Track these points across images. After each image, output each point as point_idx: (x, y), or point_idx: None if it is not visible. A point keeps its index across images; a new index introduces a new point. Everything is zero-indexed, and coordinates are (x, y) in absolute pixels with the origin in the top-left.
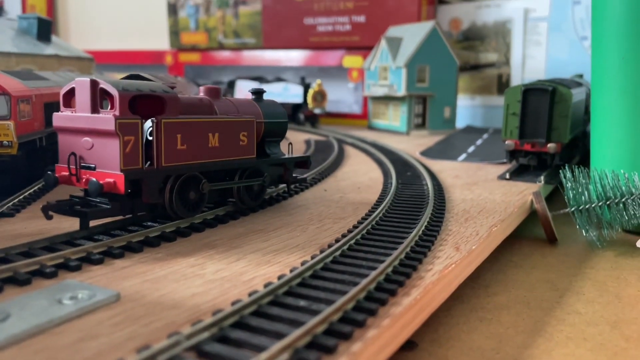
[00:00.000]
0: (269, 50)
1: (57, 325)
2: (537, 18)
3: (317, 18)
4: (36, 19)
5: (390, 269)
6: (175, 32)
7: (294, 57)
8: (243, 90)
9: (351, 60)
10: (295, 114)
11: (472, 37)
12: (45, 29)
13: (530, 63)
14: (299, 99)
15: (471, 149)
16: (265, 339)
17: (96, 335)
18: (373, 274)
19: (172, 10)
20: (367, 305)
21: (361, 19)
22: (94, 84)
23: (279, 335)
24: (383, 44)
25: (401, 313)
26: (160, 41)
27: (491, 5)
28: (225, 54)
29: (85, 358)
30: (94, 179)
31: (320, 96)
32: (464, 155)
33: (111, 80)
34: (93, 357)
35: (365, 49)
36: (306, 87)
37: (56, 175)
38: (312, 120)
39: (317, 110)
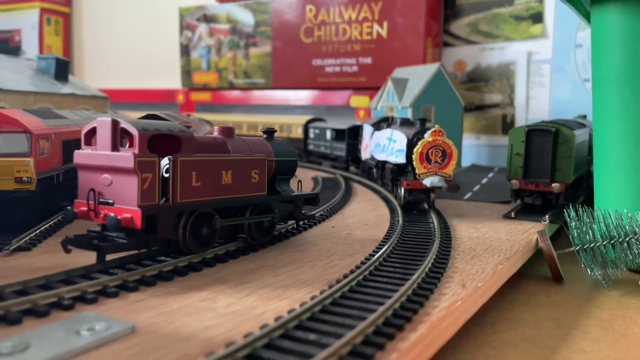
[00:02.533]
0: (278, 90)
1: (75, 356)
2: (540, 60)
3: (325, 59)
4: (54, 59)
5: (397, 305)
6: (187, 71)
7: (302, 96)
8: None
9: (358, 100)
10: (395, 181)
11: (477, 79)
12: (63, 69)
13: (534, 104)
14: (401, 157)
15: (476, 187)
16: None
17: None
18: (381, 309)
19: (185, 51)
20: (376, 340)
21: (368, 60)
22: (114, 123)
23: None
24: (389, 84)
25: (408, 348)
26: (172, 80)
27: (495, 47)
28: (235, 93)
29: None
30: (112, 214)
31: (443, 155)
32: (469, 194)
33: (131, 120)
34: None
35: (371, 89)
36: (413, 137)
37: (75, 210)
38: (425, 200)
39: (434, 182)
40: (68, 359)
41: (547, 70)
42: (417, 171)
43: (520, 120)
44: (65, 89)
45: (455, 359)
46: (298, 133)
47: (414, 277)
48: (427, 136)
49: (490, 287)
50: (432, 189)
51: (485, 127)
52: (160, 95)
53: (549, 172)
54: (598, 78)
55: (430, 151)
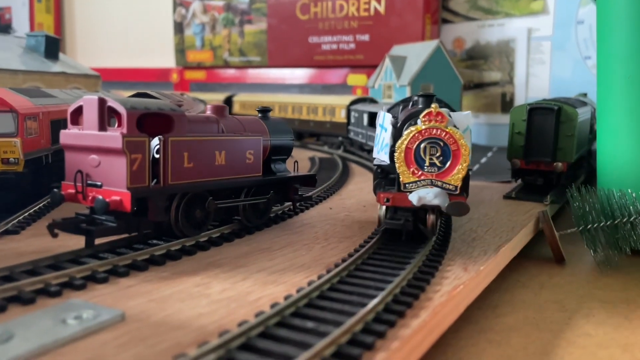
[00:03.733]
0: (274, 68)
1: (61, 346)
2: (541, 37)
3: (322, 37)
4: (44, 37)
5: (398, 290)
6: (181, 50)
7: (298, 75)
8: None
9: (355, 79)
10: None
11: (476, 56)
12: (53, 47)
13: (534, 82)
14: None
15: (476, 167)
16: None
17: (101, 356)
18: (381, 294)
19: (179, 28)
20: (376, 328)
21: (365, 37)
22: (101, 102)
23: (287, 358)
24: (387, 62)
25: (410, 335)
26: (166, 59)
27: (494, 24)
28: (230, 72)
29: None
30: (101, 197)
31: (443, 153)
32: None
33: (119, 99)
34: None
35: (369, 67)
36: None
37: (62, 192)
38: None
39: (427, 198)
40: (54, 349)
41: (548, 48)
42: (401, 178)
43: (520, 99)
44: (56, 67)
45: (457, 344)
46: (341, 117)
47: (415, 260)
48: (419, 122)
49: (492, 270)
50: (427, 208)
51: (485, 105)
52: (154, 74)
53: (551, 151)
54: (603, 55)
55: (422, 146)
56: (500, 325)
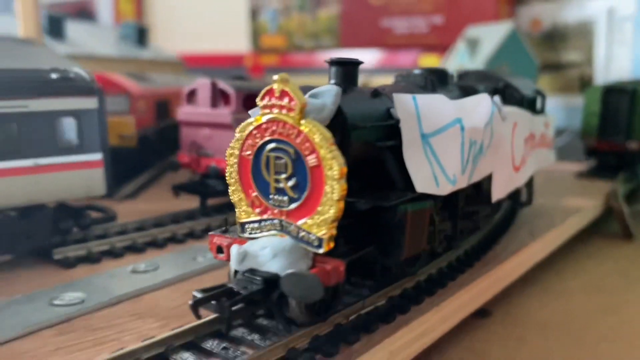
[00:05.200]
0: (345, 51)
1: (196, 275)
2: (622, 17)
3: (394, 19)
4: (136, 27)
5: (468, 246)
6: (254, 35)
7: (369, 57)
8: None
9: (427, 61)
10: None
11: (553, 37)
12: (144, 36)
13: (614, 63)
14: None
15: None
16: None
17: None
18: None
19: (253, 13)
20: (447, 271)
21: (438, 19)
22: (213, 84)
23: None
24: (461, 44)
25: (477, 282)
26: (239, 44)
27: (573, 4)
28: (302, 56)
29: None
30: (213, 164)
31: (296, 169)
32: None
33: (227, 81)
34: None
35: (441, 49)
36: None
37: (179, 160)
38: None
39: (264, 260)
40: (191, 277)
41: (630, 28)
42: (237, 214)
43: (599, 81)
44: (146, 54)
45: (522, 299)
46: None
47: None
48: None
49: (557, 237)
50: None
51: (562, 87)
52: (228, 60)
53: (625, 131)
54: None
55: (264, 157)
56: (563, 286)
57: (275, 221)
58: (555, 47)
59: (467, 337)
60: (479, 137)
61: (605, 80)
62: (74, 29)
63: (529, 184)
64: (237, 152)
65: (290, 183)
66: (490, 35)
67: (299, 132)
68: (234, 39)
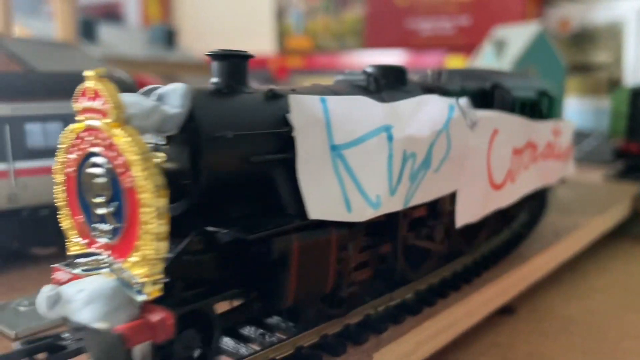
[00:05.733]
0: (369, 52)
1: None
2: None
3: (419, 19)
4: (165, 30)
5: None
6: (280, 37)
7: (394, 58)
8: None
9: (453, 61)
10: None
11: (582, 38)
12: (172, 38)
13: None
14: None
15: (577, 149)
16: None
17: None
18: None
19: (278, 15)
20: (473, 268)
21: (464, 19)
22: None
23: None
24: (487, 45)
25: (501, 279)
26: (265, 46)
27: (603, 5)
28: (327, 58)
29: None
30: None
31: (114, 194)
32: None
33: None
34: None
35: (468, 49)
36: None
37: None
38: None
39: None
40: None
41: None
42: (67, 242)
43: (629, 82)
44: (175, 56)
45: (546, 297)
46: None
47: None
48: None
49: (582, 237)
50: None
51: (590, 89)
52: (253, 61)
53: None
54: None
55: (85, 175)
56: (588, 286)
57: (104, 256)
58: (583, 48)
59: (492, 333)
60: (420, 148)
61: (635, 82)
62: (105, 31)
63: (540, 202)
64: (60, 166)
65: (111, 209)
66: (517, 37)
67: (112, 145)
68: (259, 41)
